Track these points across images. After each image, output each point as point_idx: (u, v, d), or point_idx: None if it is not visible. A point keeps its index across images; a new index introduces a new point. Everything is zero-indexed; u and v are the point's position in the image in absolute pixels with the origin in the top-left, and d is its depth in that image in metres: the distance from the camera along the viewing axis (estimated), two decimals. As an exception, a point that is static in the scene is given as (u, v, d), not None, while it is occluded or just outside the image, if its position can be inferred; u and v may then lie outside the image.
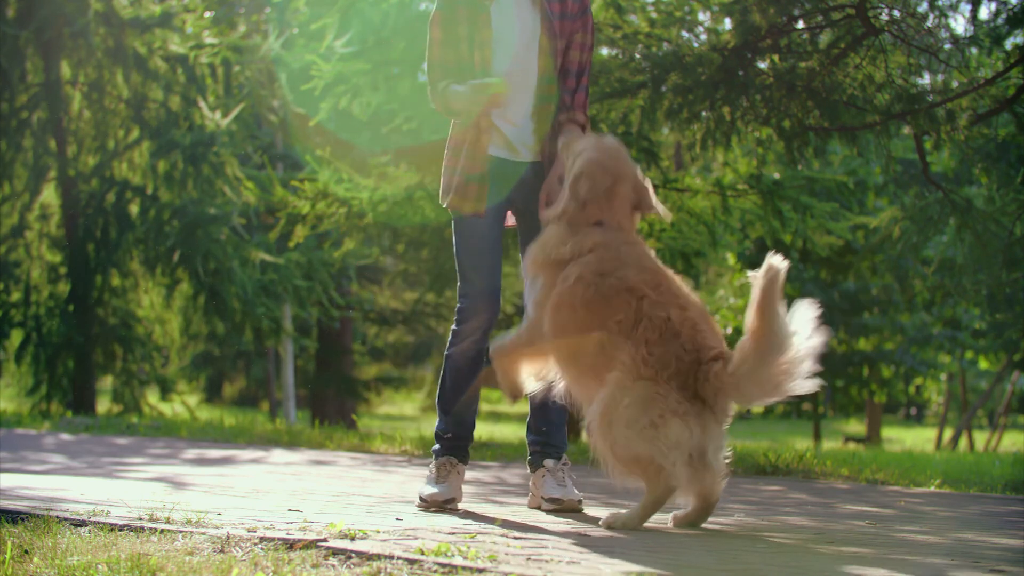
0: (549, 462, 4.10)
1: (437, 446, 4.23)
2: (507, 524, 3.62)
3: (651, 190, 3.88)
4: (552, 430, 4.15)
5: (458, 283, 4.16)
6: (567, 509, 4.00)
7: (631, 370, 3.49)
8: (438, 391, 4.24)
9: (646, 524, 3.59)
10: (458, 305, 4.15)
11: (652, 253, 3.80)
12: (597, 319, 3.58)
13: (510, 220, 4.27)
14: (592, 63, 4.44)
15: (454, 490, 4.11)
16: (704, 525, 3.72)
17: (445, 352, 4.21)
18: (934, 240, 8.35)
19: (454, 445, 4.18)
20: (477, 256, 4.11)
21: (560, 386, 3.83)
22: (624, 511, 3.61)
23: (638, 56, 6.94)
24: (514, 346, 3.82)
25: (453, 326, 4.17)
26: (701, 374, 3.46)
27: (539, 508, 4.09)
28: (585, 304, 3.61)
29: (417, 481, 5.11)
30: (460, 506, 4.13)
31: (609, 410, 3.49)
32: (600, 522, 3.61)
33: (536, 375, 3.86)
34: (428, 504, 4.06)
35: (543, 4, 4.11)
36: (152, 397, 15.30)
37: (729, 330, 21.46)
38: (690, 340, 3.50)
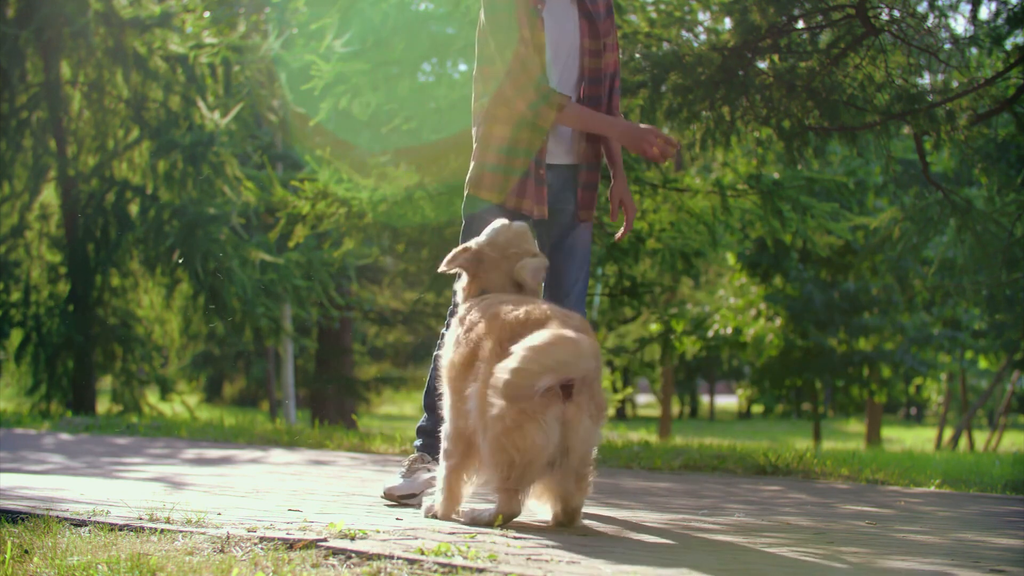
0: None
1: (419, 441, 4.28)
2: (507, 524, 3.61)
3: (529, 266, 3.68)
4: None
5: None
6: None
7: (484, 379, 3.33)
8: (426, 388, 4.28)
9: (641, 524, 3.58)
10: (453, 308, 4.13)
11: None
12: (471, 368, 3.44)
13: None
14: None
15: (418, 486, 4.13)
16: (704, 525, 3.72)
17: (435, 353, 4.20)
18: (934, 241, 8.36)
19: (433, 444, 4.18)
20: None
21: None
22: (482, 508, 3.55)
23: (638, 56, 6.93)
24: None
25: (443, 329, 4.15)
26: None
27: None
28: (464, 362, 3.47)
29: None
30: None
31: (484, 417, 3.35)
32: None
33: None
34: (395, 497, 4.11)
35: (583, 5, 4.19)
36: (152, 397, 15.28)
37: (729, 330, 21.49)
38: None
